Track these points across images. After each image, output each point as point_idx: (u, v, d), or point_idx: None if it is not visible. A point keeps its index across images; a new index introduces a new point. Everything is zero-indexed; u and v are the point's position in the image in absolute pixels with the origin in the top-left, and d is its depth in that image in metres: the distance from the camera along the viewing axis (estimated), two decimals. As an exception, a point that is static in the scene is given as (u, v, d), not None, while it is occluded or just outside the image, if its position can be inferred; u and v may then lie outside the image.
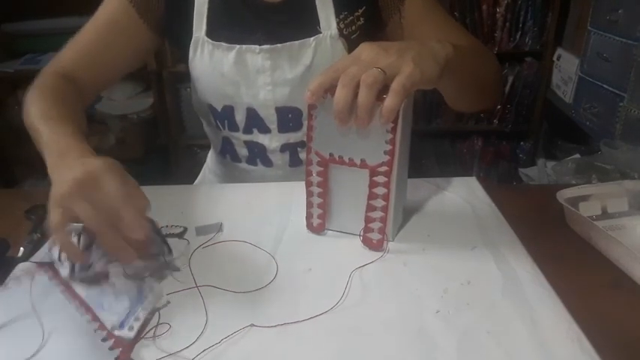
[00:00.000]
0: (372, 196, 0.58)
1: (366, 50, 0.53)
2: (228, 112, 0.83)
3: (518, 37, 1.92)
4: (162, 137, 2.15)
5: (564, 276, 0.54)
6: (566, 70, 1.81)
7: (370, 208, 0.59)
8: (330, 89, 0.53)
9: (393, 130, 0.53)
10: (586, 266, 0.59)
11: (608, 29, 1.51)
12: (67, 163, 0.53)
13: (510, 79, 1.98)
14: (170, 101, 2.04)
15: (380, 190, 0.57)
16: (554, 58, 1.90)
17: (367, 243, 0.61)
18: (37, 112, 0.67)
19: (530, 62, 1.97)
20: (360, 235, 0.61)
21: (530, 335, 0.47)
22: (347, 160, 0.57)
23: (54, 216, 0.48)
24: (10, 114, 1.96)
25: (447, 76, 0.57)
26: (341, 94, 0.51)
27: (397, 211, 0.61)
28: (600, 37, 1.55)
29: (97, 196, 0.49)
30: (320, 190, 0.61)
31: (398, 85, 0.50)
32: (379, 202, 0.58)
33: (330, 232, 0.64)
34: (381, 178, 0.56)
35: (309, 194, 0.62)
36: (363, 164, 0.57)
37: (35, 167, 2.10)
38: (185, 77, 0.89)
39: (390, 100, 0.50)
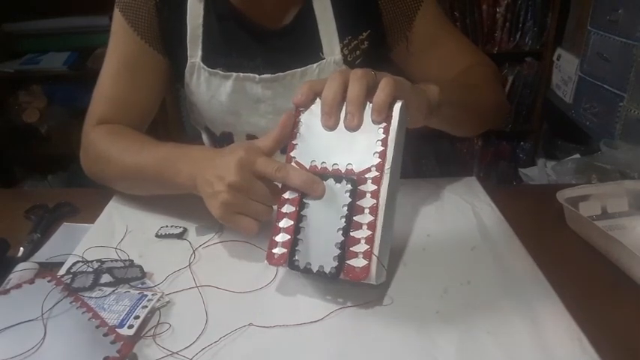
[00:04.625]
0: (357, 210, 0.49)
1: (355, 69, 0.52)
2: (227, 137, 0.81)
3: (518, 37, 1.92)
4: (161, 137, 2.14)
5: (564, 276, 0.54)
6: (566, 70, 1.81)
7: (355, 225, 0.49)
8: (320, 93, 0.51)
9: (386, 130, 0.49)
10: (586, 266, 0.59)
11: (608, 29, 1.51)
12: (210, 159, 0.57)
13: (510, 79, 1.97)
14: (169, 101, 2.04)
15: (367, 202, 0.49)
16: (554, 58, 1.90)
17: (349, 273, 0.48)
18: (119, 159, 0.67)
19: (530, 62, 1.97)
20: (330, 270, 0.48)
21: (530, 335, 0.47)
22: (330, 169, 0.51)
23: (222, 209, 0.55)
24: (10, 114, 1.95)
25: (436, 118, 0.59)
26: (329, 87, 0.50)
27: (384, 241, 0.49)
28: (600, 37, 1.55)
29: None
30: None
31: (387, 79, 0.50)
32: (366, 218, 0.48)
33: None
34: (369, 187, 0.49)
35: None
36: (349, 172, 0.50)
37: (35, 167, 2.10)
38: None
39: (379, 93, 0.49)
